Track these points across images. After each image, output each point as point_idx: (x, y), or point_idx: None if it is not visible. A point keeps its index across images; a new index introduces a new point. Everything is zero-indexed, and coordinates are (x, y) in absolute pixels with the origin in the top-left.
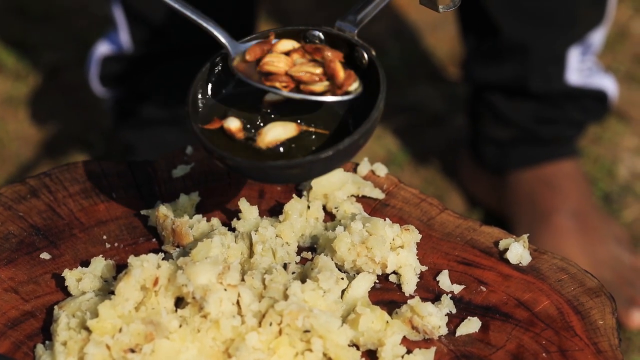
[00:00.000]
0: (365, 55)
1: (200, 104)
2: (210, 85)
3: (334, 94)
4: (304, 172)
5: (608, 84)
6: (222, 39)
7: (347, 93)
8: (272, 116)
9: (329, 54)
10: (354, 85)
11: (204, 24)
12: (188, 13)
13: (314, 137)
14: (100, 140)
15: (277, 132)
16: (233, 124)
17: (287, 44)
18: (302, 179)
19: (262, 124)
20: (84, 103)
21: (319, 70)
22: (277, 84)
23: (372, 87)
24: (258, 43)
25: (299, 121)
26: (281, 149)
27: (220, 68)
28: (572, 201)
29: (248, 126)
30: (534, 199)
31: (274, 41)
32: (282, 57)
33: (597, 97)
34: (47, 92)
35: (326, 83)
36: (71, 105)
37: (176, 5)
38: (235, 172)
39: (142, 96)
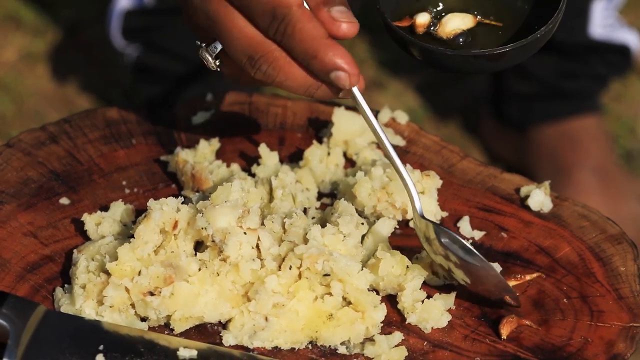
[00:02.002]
0: None
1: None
2: None
3: None
4: (502, 61)
5: (631, 39)
6: None
7: None
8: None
9: None
10: None
11: None
12: None
13: (489, 28)
14: (119, 96)
15: (456, 23)
16: (423, 18)
17: None
18: (495, 68)
19: (442, 16)
20: (102, 60)
21: None
22: None
23: None
24: None
25: (475, 13)
26: (460, 40)
27: None
28: (594, 157)
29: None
30: (555, 154)
31: None
32: None
33: (620, 51)
34: (65, 48)
35: None
36: (90, 61)
37: None
38: (428, 64)
39: (163, 50)
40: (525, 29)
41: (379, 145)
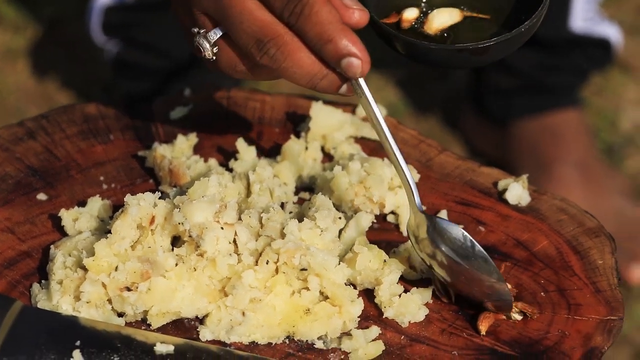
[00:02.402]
0: None
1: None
2: None
3: None
4: (487, 55)
5: (612, 33)
6: None
7: None
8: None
9: None
10: None
11: None
12: None
13: (476, 22)
14: (99, 92)
15: (443, 18)
16: (412, 13)
17: None
18: (480, 62)
19: (428, 12)
20: (83, 56)
21: None
22: None
23: None
24: None
25: (462, 7)
26: (446, 35)
27: None
28: (575, 152)
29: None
30: (536, 148)
31: None
32: None
33: (601, 45)
34: (46, 44)
35: None
36: (70, 57)
37: None
38: (413, 59)
39: (143, 46)
40: (511, 22)
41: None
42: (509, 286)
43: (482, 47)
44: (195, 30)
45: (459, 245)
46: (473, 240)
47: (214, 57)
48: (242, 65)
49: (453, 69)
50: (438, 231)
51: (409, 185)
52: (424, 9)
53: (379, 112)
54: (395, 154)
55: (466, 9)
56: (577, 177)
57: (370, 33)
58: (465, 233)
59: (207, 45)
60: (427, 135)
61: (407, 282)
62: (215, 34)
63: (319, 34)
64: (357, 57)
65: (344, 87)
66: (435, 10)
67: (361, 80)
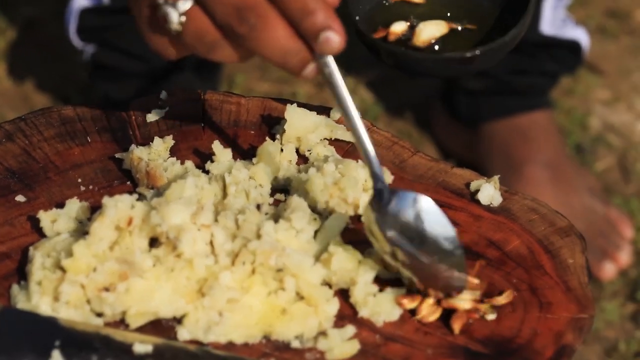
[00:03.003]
0: None
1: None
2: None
3: None
4: (473, 64)
5: (581, 35)
6: None
7: None
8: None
9: None
10: None
11: None
12: None
13: (463, 33)
14: (77, 94)
15: (431, 31)
16: (400, 27)
17: None
18: (467, 71)
19: (416, 25)
20: (61, 57)
21: None
22: None
23: None
24: None
25: (449, 19)
26: (436, 47)
27: None
28: (546, 152)
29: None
30: (507, 150)
31: None
32: None
33: (571, 48)
34: (23, 45)
35: None
36: (48, 59)
37: None
38: (400, 69)
39: (119, 49)
40: (497, 31)
41: (346, 124)
42: (476, 281)
43: (469, 56)
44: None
45: (411, 229)
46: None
47: (180, 27)
48: (209, 37)
49: (440, 78)
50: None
51: (367, 152)
52: (413, 23)
53: (345, 88)
54: (354, 120)
55: (453, 21)
56: (547, 177)
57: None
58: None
59: (175, 15)
60: (402, 135)
61: (382, 281)
62: (186, 3)
63: (302, 6)
64: (335, 33)
65: (311, 67)
66: (422, 23)
67: (331, 59)
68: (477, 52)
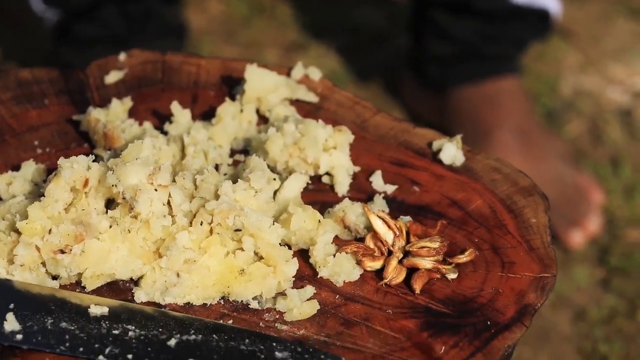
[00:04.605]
0: None
1: None
2: None
3: None
4: None
5: (551, 3)
6: None
7: None
8: None
9: None
10: None
11: None
12: None
13: None
14: (40, 62)
15: None
16: None
17: None
18: None
19: None
20: (23, 25)
21: None
22: None
23: None
24: None
25: None
26: None
27: None
28: (514, 118)
29: None
30: (475, 116)
31: None
32: None
33: (540, 16)
34: None
35: None
36: (10, 27)
37: None
38: None
39: (82, 15)
40: None
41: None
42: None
43: None
44: None
45: None
46: None
47: None
48: None
49: None
50: None
51: None
52: None
53: None
54: None
55: None
56: (516, 143)
57: None
58: None
59: None
60: (370, 102)
61: (342, 241)
62: None
63: None
64: None
65: None
66: None
67: None
68: None
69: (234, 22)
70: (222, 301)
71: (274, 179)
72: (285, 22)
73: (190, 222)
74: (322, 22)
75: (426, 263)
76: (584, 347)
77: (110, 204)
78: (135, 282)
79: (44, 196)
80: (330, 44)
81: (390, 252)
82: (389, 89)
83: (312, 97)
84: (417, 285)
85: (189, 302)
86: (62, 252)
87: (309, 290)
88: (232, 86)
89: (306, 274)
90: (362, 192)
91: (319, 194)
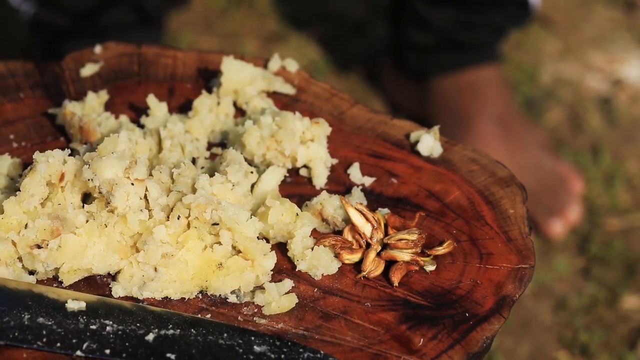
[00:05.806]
0: None
1: None
2: None
3: None
4: None
5: None
6: None
7: None
8: None
9: None
10: None
11: None
12: None
13: None
14: (17, 54)
15: None
16: None
17: None
18: None
19: None
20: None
21: None
22: None
23: None
24: None
25: None
26: None
27: None
28: (494, 106)
29: None
30: (455, 104)
31: None
32: None
33: (519, 3)
34: None
35: None
36: None
37: None
38: None
39: (58, 6)
40: None
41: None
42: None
43: None
44: None
45: None
46: None
47: None
48: None
49: None
50: None
51: None
52: None
53: None
54: None
55: None
56: (496, 132)
57: None
58: None
59: None
60: (350, 91)
61: (320, 234)
62: None
63: None
64: None
65: None
66: None
67: None
68: None
69: (213, 13)
70: (200, 295)
71: (251, 172)
72: (265, 13)
73: (168, 216)
74: (301, 12)
75: (404, 255)
76: (564, 336)
77: (86, 198)
78: (113, 277)
79: (20, 191)
80: (310, 34)
81: (368, 245)
82: (369, 79)
83: (289, 89)
84: (396, 278)
85: (166, 297)
86: (39, 247)
87: (287, 283)
88: (208, 79)
89: (284, 268)
90: (340, 185)
91: (297, 187)
